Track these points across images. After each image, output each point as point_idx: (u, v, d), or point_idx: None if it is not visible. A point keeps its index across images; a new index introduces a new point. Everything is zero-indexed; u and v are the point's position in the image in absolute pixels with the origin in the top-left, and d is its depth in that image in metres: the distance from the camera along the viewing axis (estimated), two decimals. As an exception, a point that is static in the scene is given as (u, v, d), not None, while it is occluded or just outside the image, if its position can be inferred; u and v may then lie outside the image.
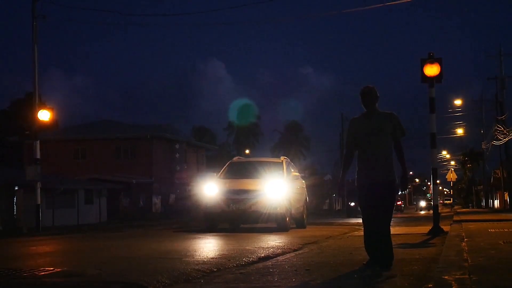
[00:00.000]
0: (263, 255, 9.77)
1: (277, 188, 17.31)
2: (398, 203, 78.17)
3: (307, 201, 20.62)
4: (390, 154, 7.36)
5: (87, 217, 37.22)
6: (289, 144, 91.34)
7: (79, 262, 8.92)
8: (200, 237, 14.56)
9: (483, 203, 76.51)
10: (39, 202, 24.45)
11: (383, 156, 7.28)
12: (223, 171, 18.98)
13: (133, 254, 10.04)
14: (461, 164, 78.77)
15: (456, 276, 5.67)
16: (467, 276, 5.64)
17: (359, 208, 7.84)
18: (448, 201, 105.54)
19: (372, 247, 7.34)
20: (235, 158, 20.53)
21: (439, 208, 17.56)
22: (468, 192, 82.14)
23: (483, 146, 56.95)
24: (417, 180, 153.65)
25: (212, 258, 9.18)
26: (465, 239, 10.54)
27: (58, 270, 7.66)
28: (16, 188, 30.72)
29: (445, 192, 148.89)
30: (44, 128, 25.69)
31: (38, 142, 24.95)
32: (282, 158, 19.88)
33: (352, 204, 43.07)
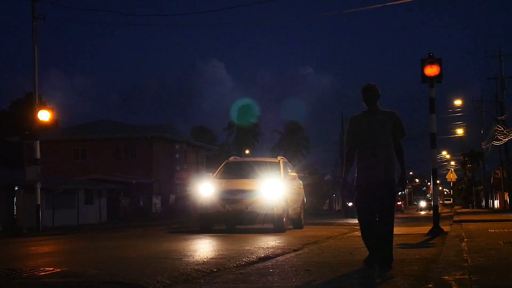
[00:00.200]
0: (263, 255, 9.76)
1: (274, 188, 17.08)
2: (398, 203, 78.25)
3: (305, 202, 20.35)
4: (391, 153, 7.29)
5: (87, 218, 37.22)
6: (289, 144, 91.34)
7: (79, 262, 8.92)
8: (198, 238, 14.55)
9: (483, 204, 76.52)
10: (39, 202, 24.46)
11: (383, 155, 7.22)
12: (219, 171, 18.76)
13: (133, 254, 10.04)
14: (461, 164, 78.83)
15: (456, 277, 5.67)
16: (467, 277, 5.64)
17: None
18: (448, 201, 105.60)
19: (370, 242, 7.33)
20: (231, 158, 20.28)
21: (439, 208, 17.56)
22: (468, 193, 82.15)
23: (483, 147, 56.97)
24: (417, 180, 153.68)
25: (212, 258, 9.18)
26: (465, 240, 10.54)
27: (58, 270, 7.66)
28: (16, 188, 30.73)
29: (445, 192, 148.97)
30: (44, 128, 25.62)
31: (38, 142, 24.96)
32: (279, 158, 19.64)
33: (350, 204, 42.98)
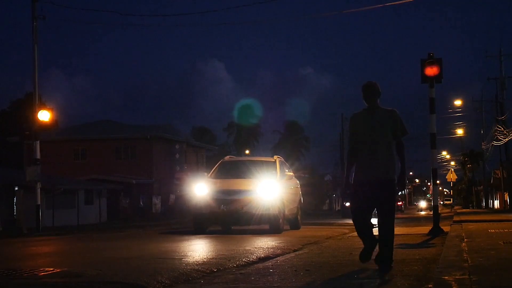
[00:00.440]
0: (262, 255, 9.76)
1: (270, 188, 16.70)
2: (398, 203, 78.29)
3: (302, 202, 19.99)
4: (391, 152, 7.22)
5: (87, 218, 37.24)
6: (289, 144, 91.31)
7: (79, 262, 8.92)
8: (197, 239, 14.55)
9: (483, 204, 76.51)
10: (39, 202, 24.47)
11: (382, 154, 7.14)
12: (214, 170, 18.40)
13: (133, 255, 10.03)
14: (461, 164, 78.85)
15: (456, 277, 5.67)
16: (467, 277, 5.63)
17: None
18: (448, 202, 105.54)
19: (364, 236, 7.33)
20: (226, 157, 19.77)
21: (439, 209, 17.55)
22: (468, 193, 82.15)
23: (483, 147, 56.98)
24: (417, 180, 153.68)
25: (212, 258, 9.17)
26: (465, 240, 10.53)
27: (58, 270, 7.66)
28: (16, 188, 30.72)
29: (445, 193, 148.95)
30: (44, 128, 25.65)
31: (38, 142, 24.96)
32: (275, 157, 19.14)
33: (348, 204, 42.91)
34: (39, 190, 24.81)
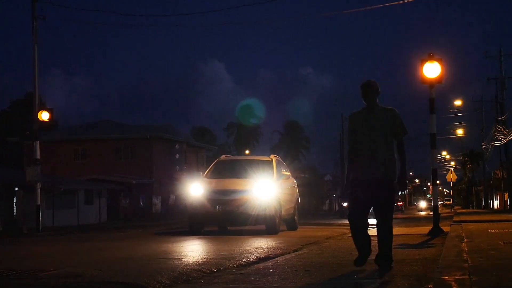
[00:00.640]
0: (262, 255, 9.76)
1: (266, 188, 16.41)
2: (398, 203, 78.35)
3: (299, 202, 19.62)
4: (391, 152, 7.16)
5: (87, 218, 37.25)
6: (289, 144, 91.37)
7: (79, 262, 8.92)
8: (196, 239, 14.54)
9: (483, 204, 76.50)
10: (39, 202, 24.46)
11: (381, 153, 7.09)
12: (209, 170, 18.08)
13: (133, 255, 10.04)
14: (461, 164, 78.79)
15: (456, 277, 5.67)
16: (467, 277, 5.63)
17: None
18: (448, 202, 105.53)
19: (357, 247, 7.24)
20: (222, 156, 19.44)
21: (439, 209, 17.55)
22: (468, 193, 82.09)
23: (483, 147, 56.98)
24: (417, 180, 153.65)
25: (212, 258, 9.17)
26: (465, 240, 10.53)
27: (58, 270, 7.66)
28: (16, 188, 30.75)
29: (445, 193, 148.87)
30: (44, 128, 25.63)
31: (38, 142, 24.96)
32: (272, 156, 18.81)
33: (346, 204, 42.83)
34: (39, 190, 24.80)
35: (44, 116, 24.58)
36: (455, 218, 24.45)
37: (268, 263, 8.48)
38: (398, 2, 23.66)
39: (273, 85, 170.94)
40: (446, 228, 15.28)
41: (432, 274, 6.41)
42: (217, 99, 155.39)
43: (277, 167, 17.91)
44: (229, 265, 8.27)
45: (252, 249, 11.06)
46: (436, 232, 14.28)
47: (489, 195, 74.77)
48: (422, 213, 68.71)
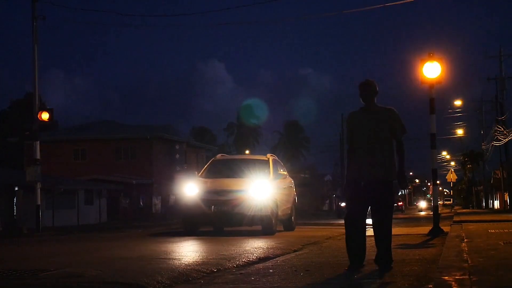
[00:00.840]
0: (262, 255, 9.76)
1: (263, 188, 16.06)
2: (399, 203, 78.35)
3: (296, 202, 19.25)
4: (389, 151, 7.13)
5: (87, 218, 37.28)
6: (289, 144, 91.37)
7: (79, 262, 8.92)
8: (195, 239, 14.53)
9: (483, 204, 76.52)
10: (39, 202, 24.45)
11: (380, 153, 7.05)
12: (204, 169, 17.79)
13: (133, 255, 10.03)
14: (461, 164, 78.81)
15: (456, 277, 5.67)
16: (467, 277, 5.63)
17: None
18: (448, 202, 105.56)
19: (352, 251, 7.11)
20: (218, 156, 19.12)
21: (439, 209, 17.54)
22: (468, 193, 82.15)
23: (483, 147, 56.99)
24: (417, 180, 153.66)
25: (212, 258, 9.17)
26: (465, 240, 10.53)
27: (59, 270, 7.66)
28: (16, 188, 30.76)
29: (445, 193, 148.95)
30: (44, 128, 25.62)
31: (38, 142, 24.96)
32: (268, 155, 18.45)
33: (343, 204, 42.86)
34: (39, 190, 24.79)
35: (44, 116, 24.57)
36: (455, 218, 24.45)
37: (268, 263, 8.48)
38: (398, 2, 23.67)
39: (273, 85, 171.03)
40: (446, 228, 15.27)
41: (432, 274, 6.41)
42: (217, 99, 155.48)
43: (273, 167, 17.63)
44: (229, 265, 8.26)
45: (252, 249, 11.06)
46: (436, 232, 14.27)
47: (489, 195, 74.79)
48: (422, 213, 68.72)
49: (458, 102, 59.86)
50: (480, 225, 16.94)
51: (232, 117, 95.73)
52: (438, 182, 16.93)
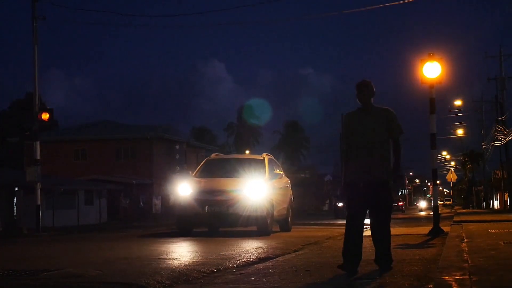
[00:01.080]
0: (263, 255, 9.77)
1: (258, 188, 15.77)
2: (399, 203, 78.32)
3: (292, 202, 18.88)
4: (386, 152, 7.10)
5: (87, 218, 37.28)
6: (289, 144, 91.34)
7: (79, 263, 8.92)
8: (195, 240, 14.54)
9: (483, 204, 76.53)
10: (39, 202, 24.44)
11: (378, 154, 7.02)
12: (198, 169, 17.46)
13: (133, 255, 10.03)
14: (461, 164, 78.79)
15: (456, 277, 5.67)
16: (467, 277, 5.63)
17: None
18: (449, 202, 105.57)
19: (350, 252, 7.00)
20: (213, 155, 18.89)
21: (440, 209, 17.53)
22: (468, 193, 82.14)
23: (483, 147, 56.98)
24: (417, 180, 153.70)
25: (212, 258, 9.17)
26: (465, 240, 10.53)
27: (59, 271, 7.66)
28: (16, 189, 30.74)
29: (445, 193, 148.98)
30: (44, 128, 25.61)
31: (38, 143, 24.95)
32: (264, 155, 18.14)
33: (340, 204, 42.58)
34: (39, 191, 24.78)
35: (44, 116, 24.56)
36: (455, 218, 24.44)
37: (268, 263, 8.48)
38: (398, 2, 23.66)
39: (273, 85, 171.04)
40: (446, 228, 15.28)
41: (432, 274, 6.40)
42: (217, 99, 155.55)
43: (269, 166, 17.35)
44: (229, 265, 8.27)
45: (252, 249, 11.06)
46: (436, 232, 14.27)
47: (489, 195, 74.80)
48: (423, 213, 68.70)
49: (458, 102, 59.93)
50: (480, 225, 16.94)
51: (232, 117, 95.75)
52: (438, 182, 16.92)
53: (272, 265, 8.18)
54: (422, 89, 16.00)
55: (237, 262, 8.64)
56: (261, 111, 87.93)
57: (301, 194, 65.99)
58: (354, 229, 7.07)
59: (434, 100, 15.23)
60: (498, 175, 60.75)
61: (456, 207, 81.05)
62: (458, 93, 64.58)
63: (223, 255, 9.75)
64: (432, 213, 16.42)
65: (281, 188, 17.65)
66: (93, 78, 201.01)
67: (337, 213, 41.08)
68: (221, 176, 16.63)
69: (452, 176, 52.32)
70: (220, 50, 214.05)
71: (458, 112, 63.56)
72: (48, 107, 25.87)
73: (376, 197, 7.03)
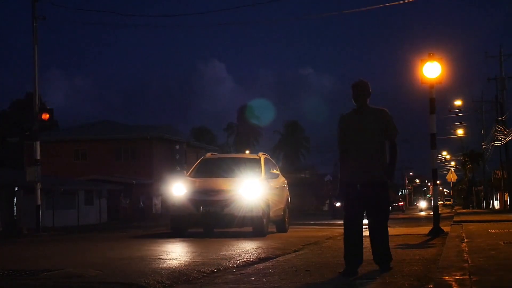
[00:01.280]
0: (263, 255, 9.76)
1: (254, 188, 15.47)
2: (400, 203, 78.32)
3: (289, 202, 18.56)
4: (382, 153, 7.06)
5: (87, 218, 37.28)
6: (289, 144, 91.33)
7: (79, 263, 8.92)
8: (195, 240, 14.53)
9: (483, 204, 76.52)
10: (39, 203, 24.44)
11: (373, 154, 6.99)
12: (193, 169, 17.15)
13: (133, 255, 10.03)
14: (461, 164, 78.79)
15: (456, 277, 5.67)
16: (467, 277, 5.63)
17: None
18: (449, 202, 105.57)
19: (351, 252, 6.98)
20: (208, 154, 18.46)
21: (440, 209, 17.53)
22: (468, 193, 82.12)
23: (483, 147, 56.97)
24: (417, 180, 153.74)
25: (212, 258, 9.17)
26: (465, 240, 10.52)
27: (59, 271, 7.66)
28: (16, 189, 30.74)
29: (446, 193, 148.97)
30: (44, 129, 25.61)
31: (38, 143, 24.94)
32: (260, 154, 17.86)
33: (338, 204, 42.46)
34: (39, 191, 24.78)
35: (44, 116, 24.56)
36: (455, 218, 24.44)
37: (268, 263, 8.48)
38: (398, 2, 23.66)
39: (273, 85, 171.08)
40: (446, 228, 15.28)
41: (432, 274, 6.40)
42: (217, 99, 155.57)
43: (265, 166, 17.03)
44: (229, 265, 8.27)
45: (252, 249, 11.06)
46: (436, 232, 14.28)
47: (489, 195, 74.80)
48: (423, 213, 68.72)
49: (458, 102, 59.89)
50: (480, 225, 16.93)
51: (232, 117, 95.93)
52: (438, 182, 16.92)
53: (272, 265, 8.18)
54: (422, 89, 16.02)
55: (237, 262, 8.64)
56: (264, 111, 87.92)
57: (301, 194, 66.02)
58: (354, 229, 7.04)
59: (434, 100, 15.23)
60: (498, 175, 60.75)
61: (456, 207, 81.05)
62: (458, 93, 64.62)
63: (223, 255, 9.75)
64: (432, 213, 16.42)
65: (277, 188, 17.35)
66: (93, 78, 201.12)
67: (334, 213, 40.80)
68: (216, 176, 16.34)
69: (452, 176, 52.32)
70: (220, 50, 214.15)
71: (458, 112, 63.57)
72: (48, 107, 25.89)
73: (375, 197, 7.00)
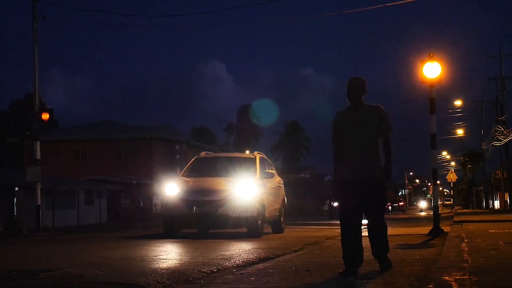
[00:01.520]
0: (263, 255, 9.76)
1: (248, 187, 15.15)
2: (400, 203, 78.33)
3: (285, 202, 18.22)
4: (377, 150, 7.01)
5: (87, 218, 37.28)
6: (289, 144, 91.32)
7: (79, 263, 8.92)
8: (195, 240, 14.53)
9: (483, 204, 76.51)
10: (39, 203, 24.45)
11: (368, 152, 6.95)
12: (186, 168, 16.89)
13: (133, 255, 10.03)
14: (461, 164, 78.78)
15: (457, 277, 5.66)
16: (467, 277, 5.63)
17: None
18: (449, 202, 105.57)
19: (350, 252, 6.92)
20: (202, 153, 18.10)
21: (440, 209, 17.53)
22: (469, 193, 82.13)
23: (483, 147, 56.98)
24: (417, 180, 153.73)
25: (212, 258, 9.16)
26: (465, 240, 10.52)
27: (59, 271, 7.66)
28: (16, 189, 30.74)
29: (446, 193, 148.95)
30: (44, 129, 25.62)
31: (38, 143, 24.95)
32: (255, 153, 17.59)
33: (335, 204, 42.37)
34: (39, 191, 24.79)
35: (44, 116, 24.56)
36: (455, 218, 24.44)
37: (268, 263, 8.48)
38: (398, 2, 23.66)
39: (273, 85, 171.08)
40: (446, 228, 15.27)
41: (432, 274, 6.40)
42: (217, 99, 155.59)
43: (260, 165, 16.70)
44: (229, 265, 8.26)
45: (252, 249, 11.06)
46: (436, 232, 14.27)
47: (489, 195, 74.78)
48: (423, 213, 68.74)
49: (458, 102, 59.90)
50: (480, 225, 16.93)
51: (232, 117, 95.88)
52: (438, 182, 16.92)
53: (272, 265, 8.17)
54: (422, 89, 16.02)
55: (237, 262, 8.64)
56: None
57: (301, 194, 66.06)
58: (350, 228, 6.97)
59: (434, 100, 15.23)
60: (498, 175, 60.73)
61: (456, 207, 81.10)
62: (458, 93, 64.73)
63: (223, 255, 9.75)
64: (432, 213, 16.41)
65: (273, 188, 17.03)
66: (93, 78, 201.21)
67: (332, 213, 40.50)
68: (210, 176, 15.97)
69: (452, 176, 52.30)
70: (220, 50, 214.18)
71: (458, 112, 63.59)
72: (48, 107, 25.87)
73: (369, 196, 6.94)
